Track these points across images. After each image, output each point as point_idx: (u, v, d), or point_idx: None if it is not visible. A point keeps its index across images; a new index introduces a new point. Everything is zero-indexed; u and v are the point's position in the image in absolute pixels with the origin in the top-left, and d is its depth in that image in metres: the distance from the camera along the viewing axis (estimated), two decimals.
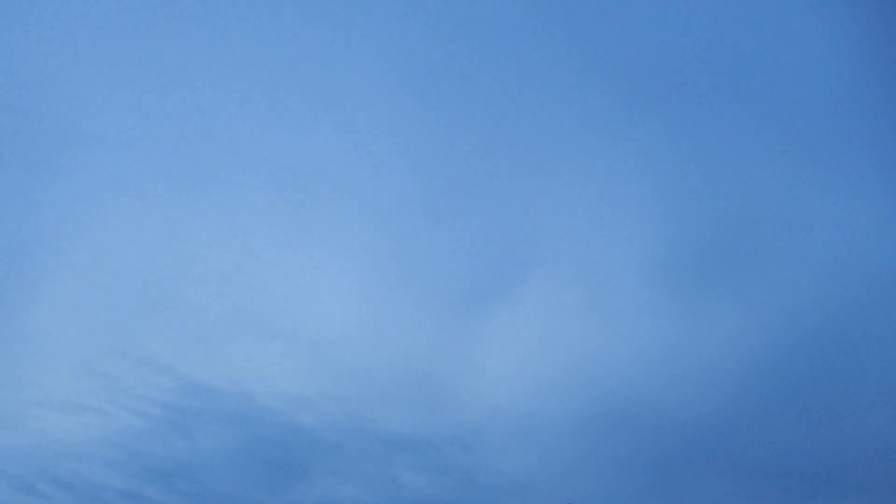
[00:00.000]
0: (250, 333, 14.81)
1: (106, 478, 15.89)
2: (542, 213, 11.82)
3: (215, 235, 14.29)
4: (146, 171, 13.46)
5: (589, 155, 11.54)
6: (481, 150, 11.90)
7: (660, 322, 10.81)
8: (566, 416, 11.75)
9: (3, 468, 15.96)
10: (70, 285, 16.06)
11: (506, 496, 11.38)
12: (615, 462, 11.24)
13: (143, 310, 15.57)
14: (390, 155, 12.42)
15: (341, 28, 11.63)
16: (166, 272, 15.23)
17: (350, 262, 13.52)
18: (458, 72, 11.60)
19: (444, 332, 13.07)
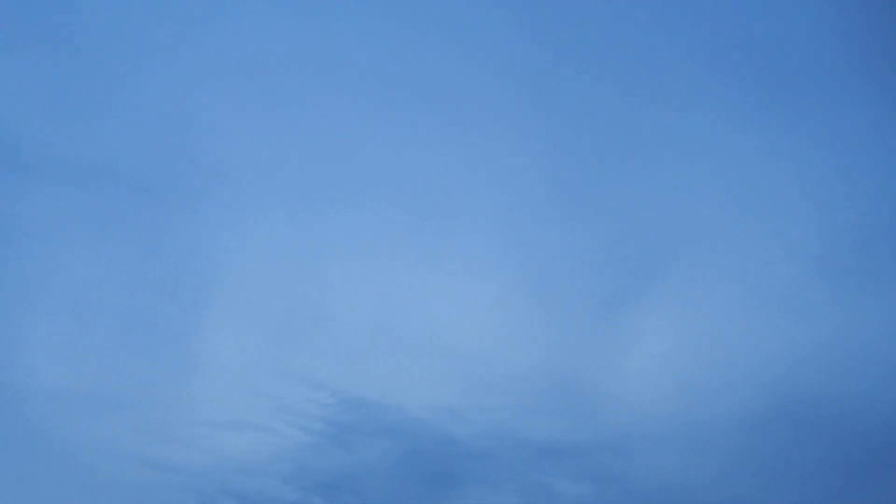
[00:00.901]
0: (396, 348, 15.45)
1: (278, 491, 17.12)
2: (678, 211, 11.57)
3: (355, 254, 15.00)
4: (285, 197, 14.37)
5: (719, 149, 11.20)
6: (610, 151, 11.81)
7: (821, 316, 10.33)
8: (717, 418, 11.42)
9: (188, 484, 17.51)
10: (227, 311, 17.40)
11: (662, 502, 11.21)
12: (775, 464, 10.85)
13: (296, 330, 16.60)
14: (518, 164, 12.54)
15: (464, 44, 11.88)
16: (313, 293, 16.20)
17: (487, 273, 13.79)
18: (580, 75, 11.55)
19: (586, 336, 13.04)
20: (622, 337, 11.98)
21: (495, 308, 13.88)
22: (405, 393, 14.70)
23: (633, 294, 11.94)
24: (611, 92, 11.58)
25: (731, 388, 10.86)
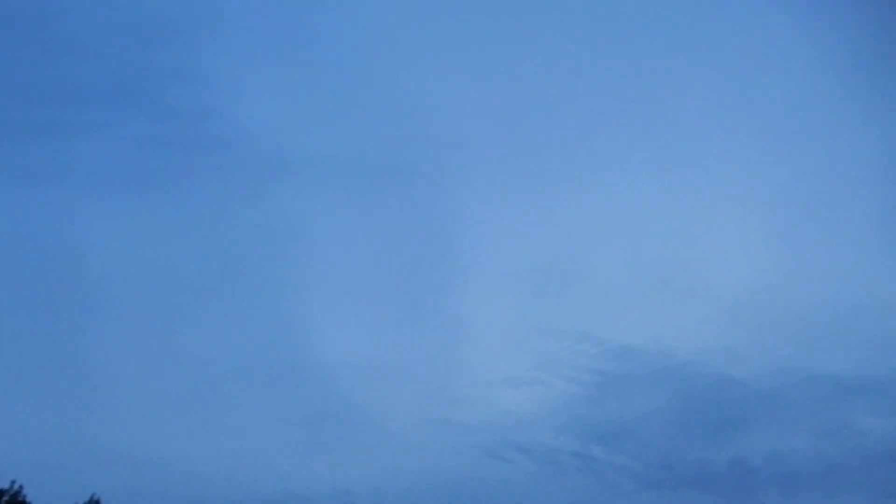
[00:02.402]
0: (661, 293, 15.01)
1: (557, 441, 17.63)
2: None
3: (611, 202, 14.72)
4: (531, 162, 14.53)
5: None
6: None
7: None
8: None
9: (474, 439, 18.69)
10: (488, 277, 18.12)
11: None
12: None
13: (555, 285, 16.80)
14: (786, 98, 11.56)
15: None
16: (566, 249, 16.18)
17: (755, 201, 12.84)
18: None
19: (871, 264, 11.67)
20: None
21: (769, 238, 12.89)
22: (673, 337, 14.25)
23: None
24: None
25: None
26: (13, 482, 15.90)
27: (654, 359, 15.77)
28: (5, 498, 15.47)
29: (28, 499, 16.12)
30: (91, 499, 16.83)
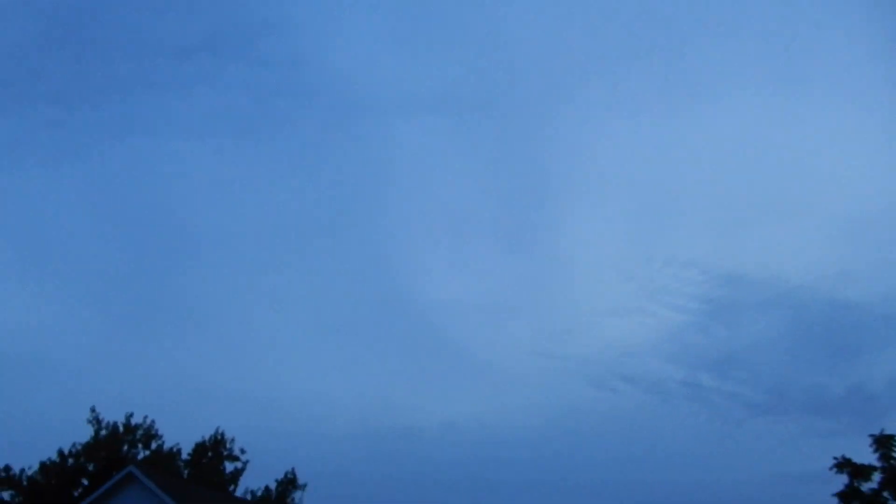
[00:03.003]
0: (771, 216, 14.24)
1: (664, 370, 17.32)
2: None
3: (724, 123, 13.90)
4: (637, 94, 13.89)
5: None
6: None
7: None
8: None
9: (579, 370, 18.66)
10: (592, 206, 17.78)
11: None
12: None
13: (659, 213, 16.26)
14: None
15: None
16: (671, 172, 15.53)
17: (875, 125, 11.85)
18: None
19: None
20: None
21: (888, 154, 11.96)
22: (785, 262, 13.59)
23: None
24: None
25: None
26: (146, 417, 17.15)
27: (765, 285, 15.00)
28: (140, 432, 16.69)
29: (160, 433, 17.32)
30: (216, 433, 17.87)
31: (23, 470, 16.14)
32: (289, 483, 18.57)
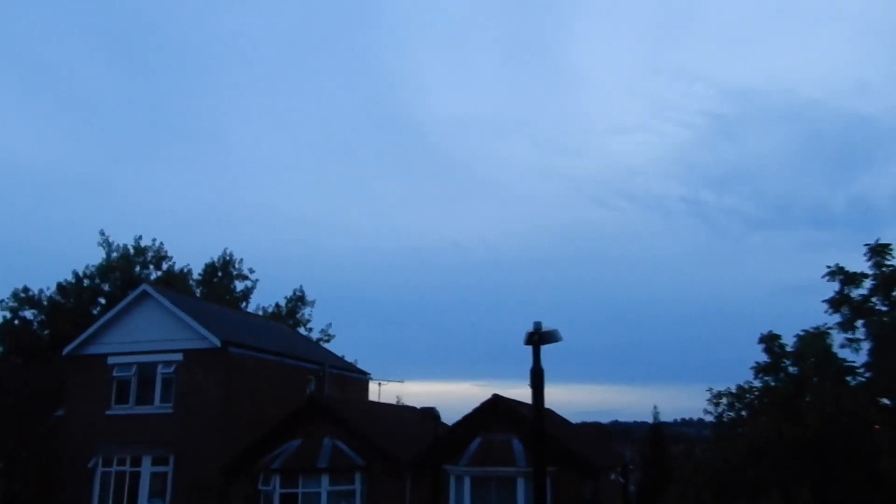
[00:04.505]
0: (784, 24, 13.89)
1: (665, 188, 17.80)
2: None
3: None
4: None
5: None
6: None
7: None
8: None
9: (582, 189, 19.34)
10: (597, 19, 17.31)
11: None
12: None
13: (667, 24, 15.87)
14: None
15: None
16: None
17: None
18: None
19: None
20: None
21: None
22: (796, 74, 13.56)
23: None
24: None
25: None
26: (154, 240, 17.38)
27: (775, 99, 14.56)
28: (150, 254, 17.01)
29: (169, 253, 17.90)
30: (224, 253, 18.21)
31: (41, 290, 16.70)
32: (298, 300, 19.27)
